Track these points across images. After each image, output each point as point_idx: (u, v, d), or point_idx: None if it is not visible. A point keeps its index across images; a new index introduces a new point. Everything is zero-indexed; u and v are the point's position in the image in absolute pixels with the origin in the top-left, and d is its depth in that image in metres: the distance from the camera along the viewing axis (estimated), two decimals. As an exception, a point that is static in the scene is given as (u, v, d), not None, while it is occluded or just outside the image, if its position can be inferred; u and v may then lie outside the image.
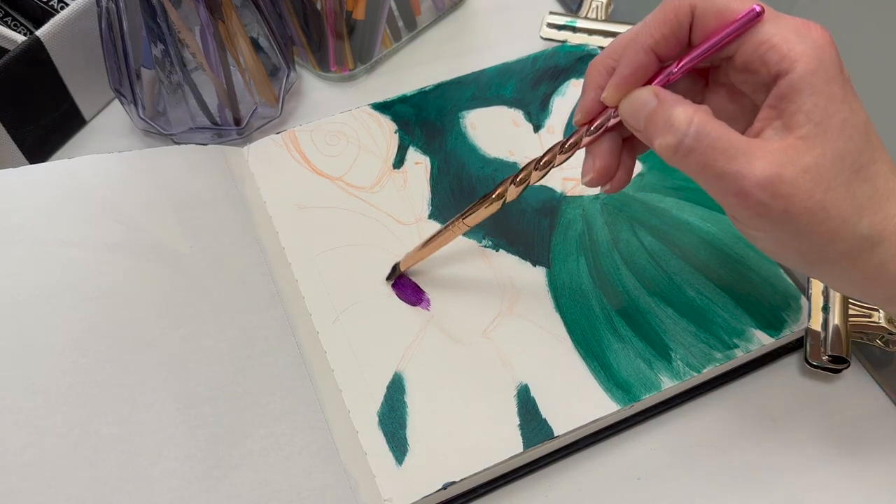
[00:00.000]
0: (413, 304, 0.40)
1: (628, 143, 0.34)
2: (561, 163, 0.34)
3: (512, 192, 0.35)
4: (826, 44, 0.28)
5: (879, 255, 0.29)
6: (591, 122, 0.33)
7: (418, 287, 0.40)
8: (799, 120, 0.28)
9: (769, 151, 0.28)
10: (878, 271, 0.30)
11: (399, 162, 0.46)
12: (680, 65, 0.30)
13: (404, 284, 0.40)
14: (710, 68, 0.32)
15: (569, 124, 0.48)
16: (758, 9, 0.28)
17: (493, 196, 0.36)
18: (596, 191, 0.44)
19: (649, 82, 0.31)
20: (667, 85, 0.31)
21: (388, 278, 0.40)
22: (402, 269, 0.40)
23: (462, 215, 0.37)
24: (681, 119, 0.29)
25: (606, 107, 0.32)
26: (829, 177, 0.28)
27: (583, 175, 0.34)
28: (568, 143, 0.33)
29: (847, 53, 0.29)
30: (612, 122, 0.32)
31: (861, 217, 0.28)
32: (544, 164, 0.34)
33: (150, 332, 0.37)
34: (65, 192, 0.41)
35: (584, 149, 0.34)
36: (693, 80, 0.33)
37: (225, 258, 0.40)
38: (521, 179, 0.35)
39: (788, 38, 0.28)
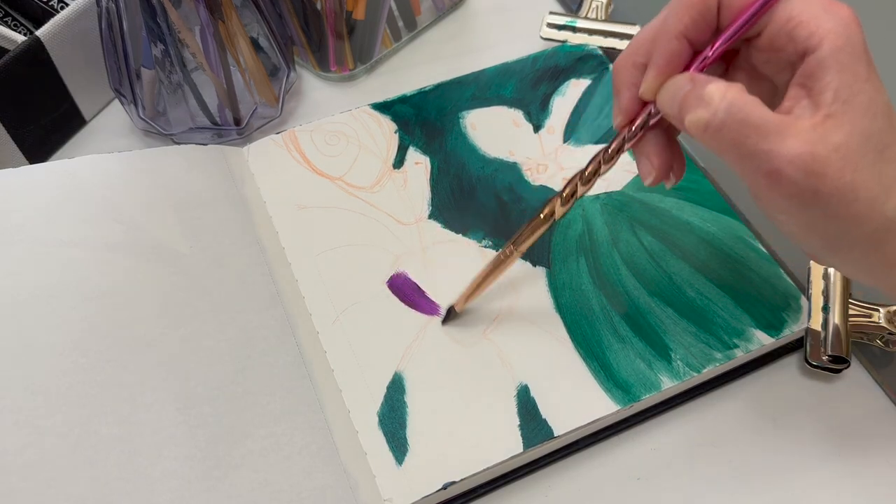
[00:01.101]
0: (429, 314, 0.39)
1: (670, 133, 0.33)
2: (606, 171, 0.33)
3: (559, 211, 0.34)
4: (852, 22, 0.28)
5: None
6: (632, 121, 0.32)
7: (432, 300, 0.40)
8: (827, 98, 0.27)
9: (802, 129, 0.27)
10: None
11: (399, 162, 0.46)
12: (714, 47, 0.30)
13: (415, 295, 0.40)
14: (732, 53, 0.32)
15: (568, 124, 0.47)
16: None
17: (542, 217, 0.35)
18: (597, 190, 0.44)
19: (685, 70, 0.30)
20: (703, 70, 0.30)
21: (444, 321, 0.39)
22: (459, 309, 0.39)
23: (513, 242, 0.36)
24: (713, 93, 0.28)
25: (644, 105, 0.32)
26: (858, 157, 0.27)
27: (644, 177, 0.33)
28: (611, 149, 0.33)
29: (868, 36, 0.29)
30: (653, 120, 0.32)
31: (887, 198, 0.28)
32: (589, 175, 0.33)
33: (150, 332, 0.37)
34: (65, 192, 0.41)
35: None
36: (712, 67, 0.32)
37: (225, 258, 0.40)
38: (567, 195, 0.34)
39: (816, 15, 0.28)
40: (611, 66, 0.50)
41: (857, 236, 0.29)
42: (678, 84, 0.30)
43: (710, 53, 0.30)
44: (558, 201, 0.34)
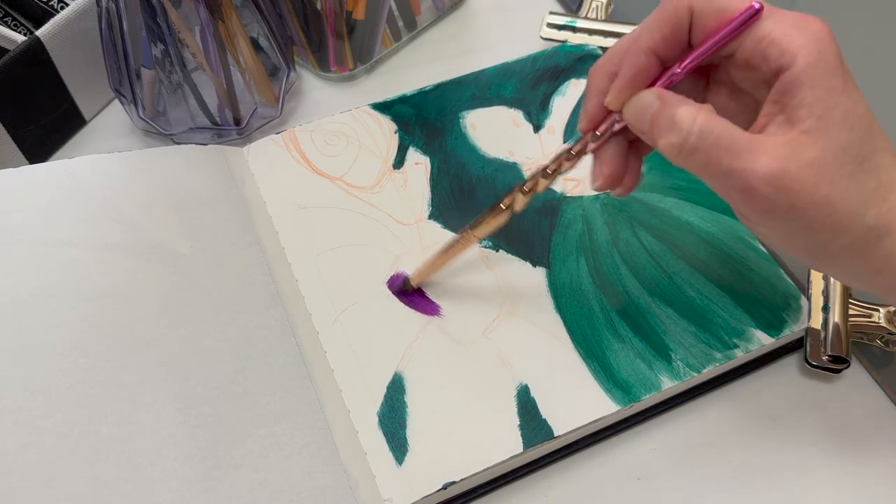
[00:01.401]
0: (429, 314, 0.40)
1: (634, 145, 0.34)
2: (568, 170, 0.34)
3: (520, 201, 0.35)
4: (825, 36, 0.28)
5: (886, 246, 0.29)
6: (595, 127, 0.33)
7: (432, 300, 0.40)
8: (801, 114, 0.28)
9: (773, 146, 0.28)
10: (884, 263, 0.30)
11: (399, 162, 0.46)
12: (683, 65, 0.30)
13: (415, 296, 0.40)
14: (711, 67, 0.32)
15: (569, 125, 0.48)
16: (756, 5, 0.28)
17: (501, 206, 0.35)
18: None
19: (652, 84, 0.31)
20: (670, 86, 0.31)
21: (401, 292, 0.40)
22: (414, 284, 0.40)
23: (471, 226, 0.37)
24: (684, 118, 0.29)
25: (610, 112, 0.32)
26: (833, 170, 0.28)
27: (592, 181, 0.33)
28: (574, 150, 0.33)
29: (847, 46, 0.29)
30: (618, 126, 0.32)
31: (867, 209, 0.28)
32: (551, 171, 0.34)
33: (150, 332, 0.37)
34: (65, 192, 0.41)
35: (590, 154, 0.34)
36: (694, 80, 0.33)
37: (225, 258, 0.40)
38: (528, 188, 0.35)
39: (788, 33, 0.28)
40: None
41: (839, 246, 0.29)
42: (646, 100, 0.30)
43: (679, 70, 0.30)
44: (519, 193, 0.35)
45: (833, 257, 0.30)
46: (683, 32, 0.30)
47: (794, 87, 0.28)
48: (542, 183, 0.34)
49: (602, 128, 0.32)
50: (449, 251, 0.38)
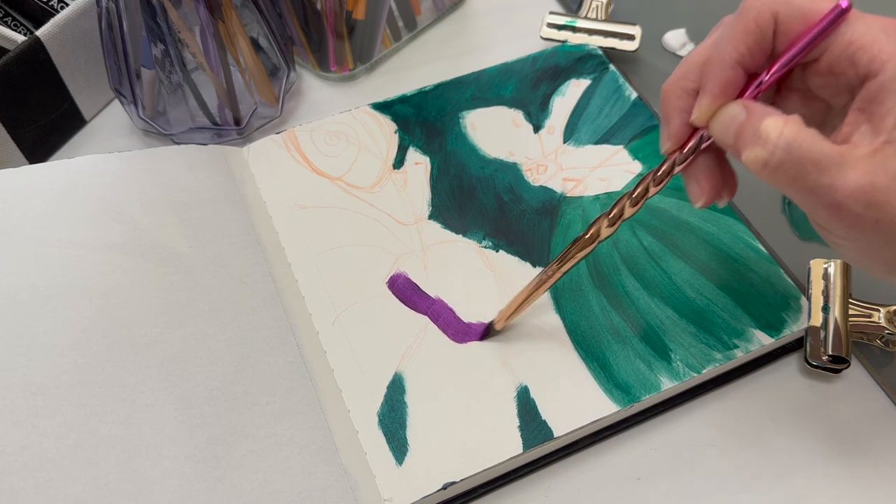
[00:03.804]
0: (429, 314, 0.39)
1: (721, 152, 0.33)
2: (654, 194, 0.33)
3: (606, 232, 0.34)
4: None
5: None
6: (681, 147, 0.32)
7: (432, 301, 0.40)
8: (888, 123, 0.27)
9: (860, 159, 0.27)
10: None
11: (399, 162, 0.46)
12: (770, 73, 0.29)
13: (415, 296, 0.40)
14: (784, 76, 0.31)
15: (568, 125, 0.47)
16: (844, 4, 0.28)
17: (587, 237, 0.35)
18: (596, 191, 0.44)
19: (739, 96, 0.30)
20: (758, 97, 0.30)
21: (483, 338, 0.39)
22: (498, 328, 0.38)
23: (556, 263, 0.36)
24: (770, 131, 0.28)
25: (695, 130, 0.31)
26: None
27: (694, 201, 0.33)
28: (660, 172, 0.32)
29: None
30: (706, 144, 0.31)
31: None
32: (637, 196, 0.33)
33: (150, 332, 0.37)
34: (65, 192, 0.41)
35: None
36: (769, 90, 0.32)
37: (225, 258, 0.40)
38: (613, 216, 0.34)
39: (878, 39, 0.27)
40: (611, 66, 0.50)
41: None
42: (732, 113, 0.30)
43: (766, 79, 0.30)
44: (605, 222, 0.34)
45: None
46: (768, 40, 0.29)
47: (881, 95, 0.27)
48: (629, 211, 0.34)
49: (689, 146, 0.32)
50: (535, 290, 0.37)
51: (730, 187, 0.33)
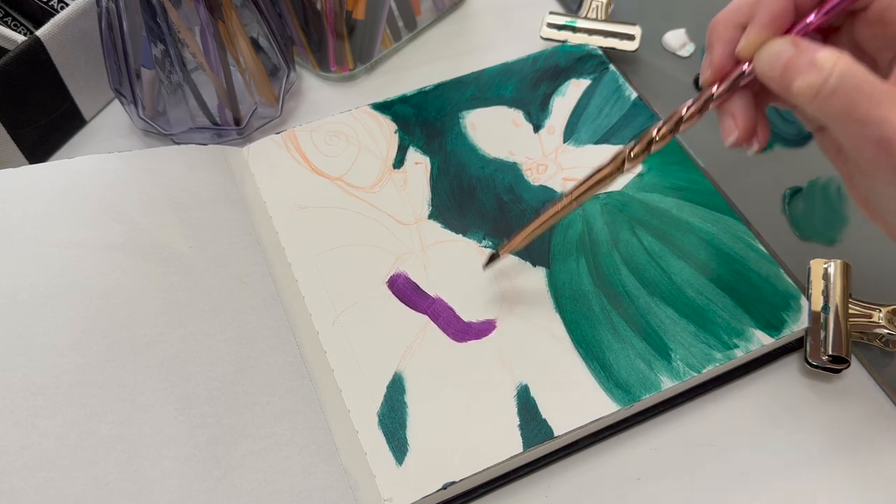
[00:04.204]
0: (429, 314, 0.40)
1: (758, 98, 0.32)
2: (689, 127, 0.32)
3: (635, 160, 0.34)
4: None
5: None
6: (722, 79, 0.31)
7: (432, 301, 0.40)
8: None
9: None
10: None
11: (399, 162, 0.46)
12: (819, 12, 0.29)
13: (415, 296, 0.40)
14: (831, 28, 0.31)
15: (568, 124, 0.47)
16: None
17: (616, 161, 0.34)
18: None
19: (788, 32, 0.30)
20: (804, 36, 0.30)
21: (485, 266, 0.40)
22: (502, 255, 0.39)
23: (580, 186, 0.35)
24: (825, 60, 0.28)
25: (737, 63, 0.31)
26: None
27: (726, 136, 0.32)
28: (696, 107, 0.32)
29: None
30: (746, 79, 0.31)
31: None
32: (673, 123, 0.32)
33: (150, 332, 0.37)
34: (65, 192, 0.41)
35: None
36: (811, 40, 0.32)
37: (225, 258, 0.40)
38: (660, 134, 0.33)
39: None
40: (611, 66, 0.50)
41: None
42: (780, 47, 0.29)
43: (814, 19, 0.29)
44: (633, 148, 0.33)
45: None
46: None
47: None
48: (657, 145, 0.33)
49: (730, 78, 0.31)
50: (547, 220, 0.37)
51: (763, 133, 0.32)
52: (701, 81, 0.32)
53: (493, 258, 0.40)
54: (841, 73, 0.27)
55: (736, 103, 0.32)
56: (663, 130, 0.33)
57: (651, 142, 0.33)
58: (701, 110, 0.32)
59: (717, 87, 0.32)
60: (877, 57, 0.30)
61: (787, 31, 0.30)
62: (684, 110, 0.32)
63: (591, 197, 0.36)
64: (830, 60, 0.28)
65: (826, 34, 0.31)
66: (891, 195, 0.29)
